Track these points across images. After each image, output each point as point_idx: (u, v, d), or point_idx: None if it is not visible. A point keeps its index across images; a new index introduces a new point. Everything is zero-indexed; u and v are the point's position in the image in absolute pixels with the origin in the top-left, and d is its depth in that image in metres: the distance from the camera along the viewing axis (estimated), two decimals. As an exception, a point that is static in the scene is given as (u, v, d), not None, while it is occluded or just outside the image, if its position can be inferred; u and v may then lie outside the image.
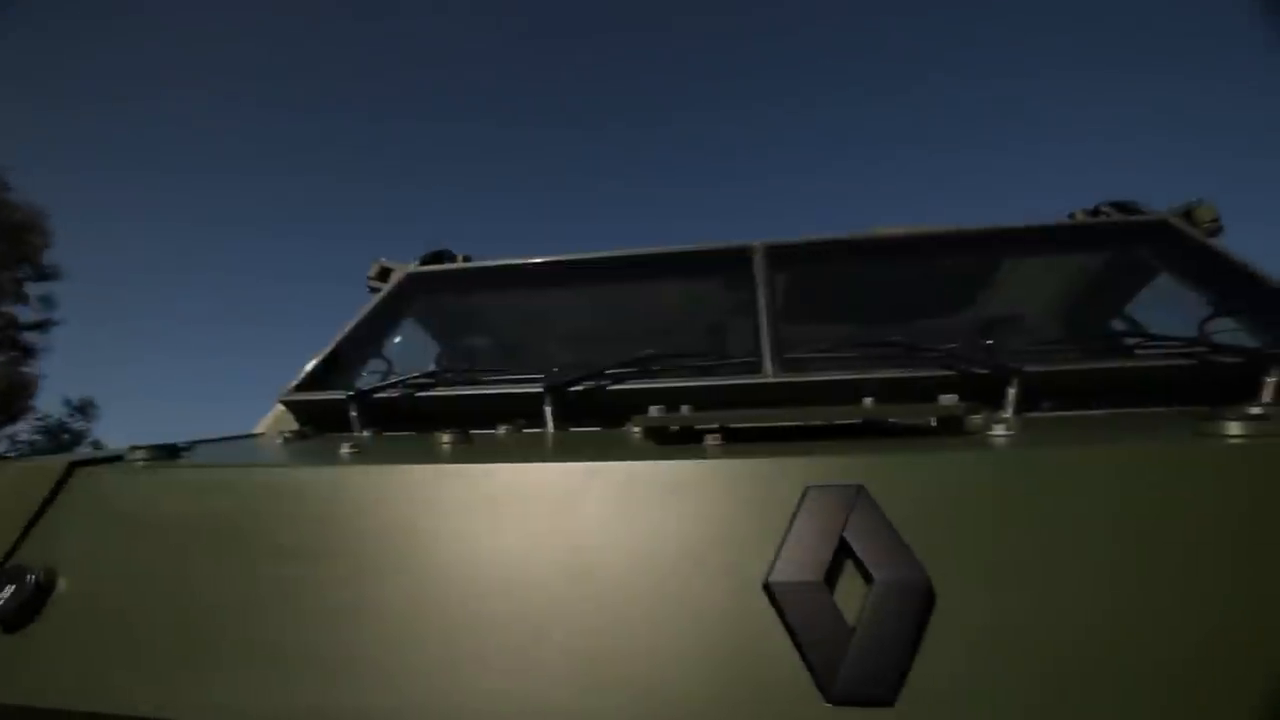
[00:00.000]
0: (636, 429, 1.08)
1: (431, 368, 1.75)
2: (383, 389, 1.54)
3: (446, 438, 1.07)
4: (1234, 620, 0.58)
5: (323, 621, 0.71)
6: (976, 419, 0.97)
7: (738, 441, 0.89)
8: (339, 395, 1.54)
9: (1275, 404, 1.20)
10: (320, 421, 1.57)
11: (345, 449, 0.96)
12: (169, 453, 1.00)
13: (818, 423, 0.99)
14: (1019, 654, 0.60)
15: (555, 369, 1.50)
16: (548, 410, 1.40)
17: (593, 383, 1.42)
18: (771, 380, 1.35)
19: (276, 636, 0.71)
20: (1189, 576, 0.60)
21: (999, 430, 0.86)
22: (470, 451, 0.94)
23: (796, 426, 0.99)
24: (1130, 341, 1.51)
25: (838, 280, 1.90)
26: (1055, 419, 1.19)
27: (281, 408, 1.65)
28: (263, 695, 0.69)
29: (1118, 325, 1.81)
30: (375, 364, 1.83)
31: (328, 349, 1.76)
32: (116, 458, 0.96)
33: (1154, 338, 1.42)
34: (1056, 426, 1.02)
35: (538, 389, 1.41)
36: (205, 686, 0.71)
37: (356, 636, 0.70)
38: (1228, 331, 1.48)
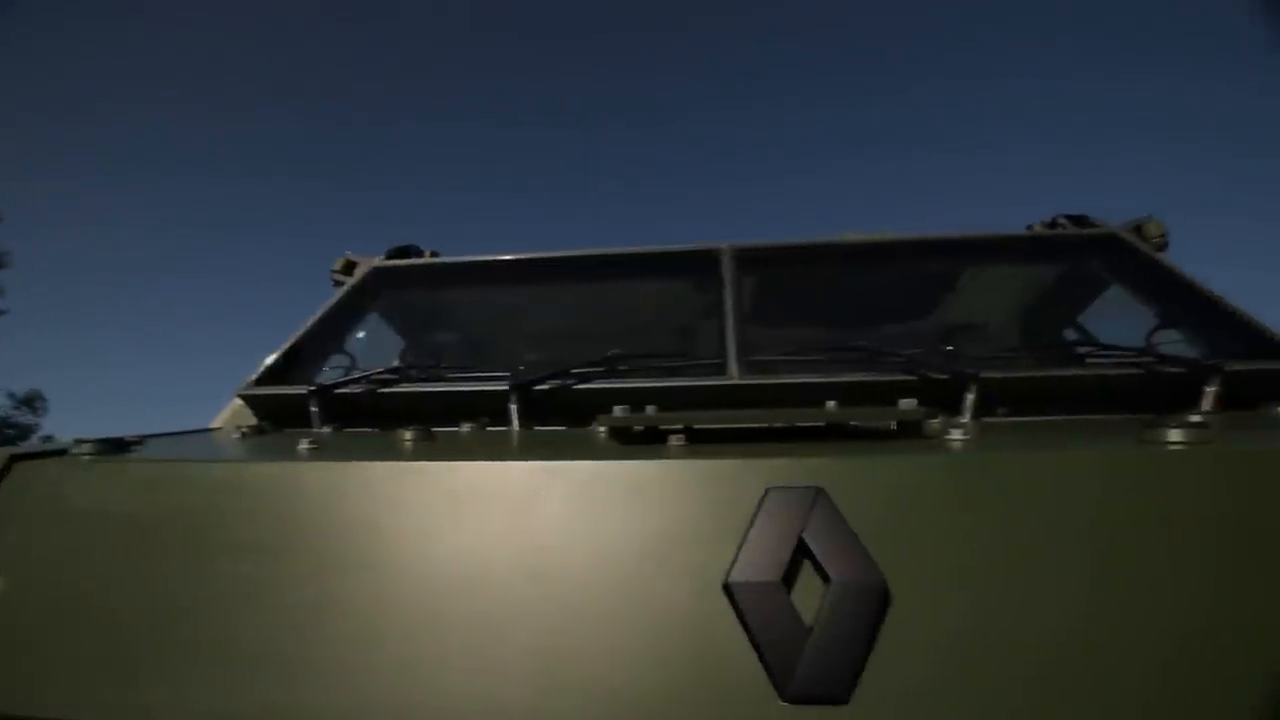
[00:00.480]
0: (601, 429, 1.09)
1: (395, 364, 1.73)
2: (345, 384, 1.52)
3: (408, 435, 1.06)
4: (1173, 619, 0.61)
5: (280, 620, 0.70)
6: (935, 423, 1.00)
7: (701, 442, 0.89)
8: (299, 390, 1.51)
9: (1214, 412, 1.25)
10: (279, 417, 1.54)
11: (304, 445, 0.94)
12: (116, 447, 0.96)
13: (780, 425, 1.00)
14: (973, 655, 0.61)
15: (521, 367, 1.50)
16: (513, 409, 1.39)
17: (558, 382, 1.42)
18: (736, 382, 1.36)
19: (231, 635, 0.70)
20: (1132, 577, 0.62)
21: (956, 434, 0.88)
22: (433, 449, 0.93)
23: (759, 428, 1.00)
24: (1082, 350, 1.56)
25: (804, 284, 1.93)
26: (1011, 424, 1.23)
27: (239, 402, 1.62)
28: (218, 695, 0.68)
29: (1070, 334, 1.87)
30: (337, 359, 1.80)
31: (288, 343, 1.73)
32: (60, 451, 0.93)
33: (1104, 347, 1.47)
34: (1011, 432, 1.05)
35: (503, 387, 1.40)
36: (155, 688, 0.69)
37: (316, 635, 0.69)
38: (1172, 342, 1.54)
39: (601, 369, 1.44)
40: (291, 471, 0.78)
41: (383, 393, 1.49)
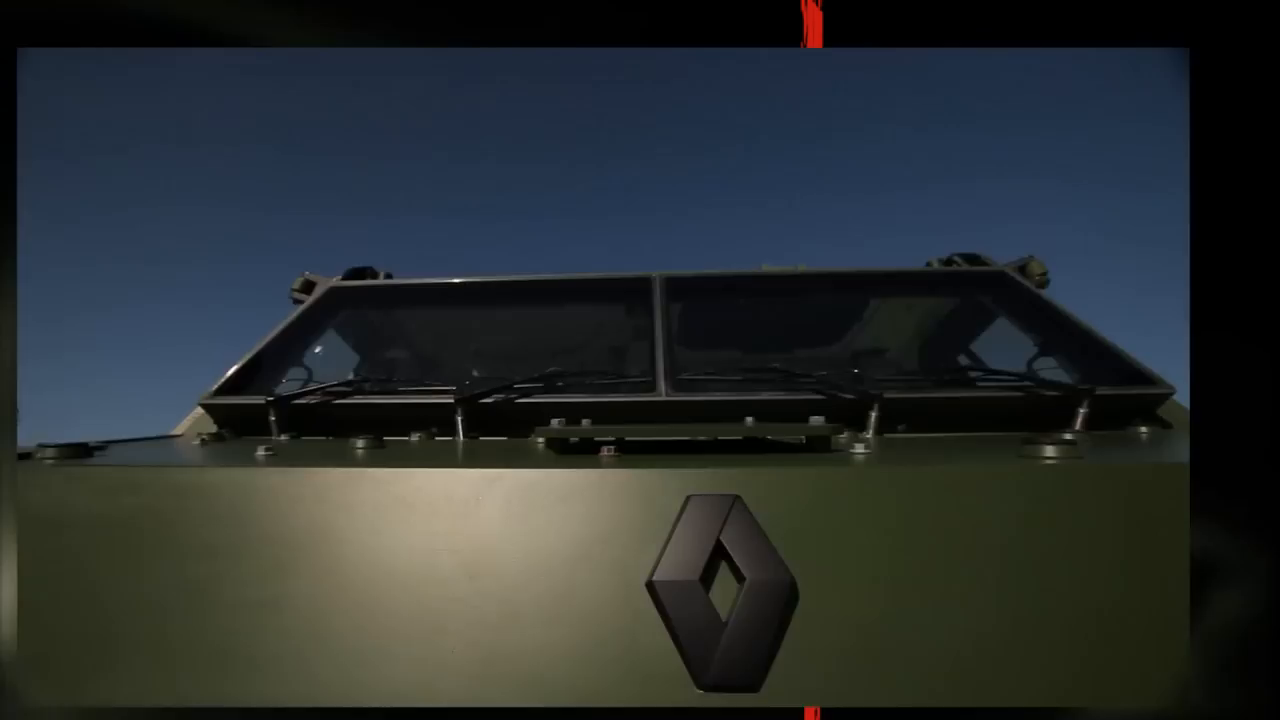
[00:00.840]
0: (539, 439, 1.14)
1: (350, 377, 1.79)
2: (302, 395, 1.57)
3: (360, 443, 1.08)
4: (1041, 608, 0.69)
5: (238, 616, 0.73)
6: (842, 438, 1.08)
7: (631, 453, 0.93)
8: (258, 400, 1.56)
9: (1084, 431, 1.40)
10: (239, 425, 1.58)
11: (261, 451, 0.98)
12: (80, 451, 0.97)
13: (702, 438, 1.07)
14: (871, 646, 0.69)
15: (467, 382, 1.58)
16: (459, 420, 1.47)
17: (501, 396, 1.50)
18: (664, 399, 1.46)
19: (192, 631, 0.73)
20: (1009, 574, 0.70)
21: (860, 449, 0.95)
22: (383, 457, 0.96)
23: (684, 441, 1.07)
24: (973, 375, 1.71)
25: (727, 311, 2.03)
26: (908, 440, 1.32)
27: (200, 411, 1.65)
28: (179, 688, 0.71)
29: (963, 360, 2.00)
30: (295, 371, 1.85)
31: (249, 355, 1.77)
32: (23, 456, 0.93)
33: (992, 372, 1.62)
34: (909, 447, 1.12)
35: (449, 400, 1.48)
36: (119, 685, 0.72)
37: (271, 629, 0.72)
38: (1050, 369, 1.69)
39: (541, 385, 1.53)
40: (249, 476, 0.80)
41: (337, 403, 1.56)
